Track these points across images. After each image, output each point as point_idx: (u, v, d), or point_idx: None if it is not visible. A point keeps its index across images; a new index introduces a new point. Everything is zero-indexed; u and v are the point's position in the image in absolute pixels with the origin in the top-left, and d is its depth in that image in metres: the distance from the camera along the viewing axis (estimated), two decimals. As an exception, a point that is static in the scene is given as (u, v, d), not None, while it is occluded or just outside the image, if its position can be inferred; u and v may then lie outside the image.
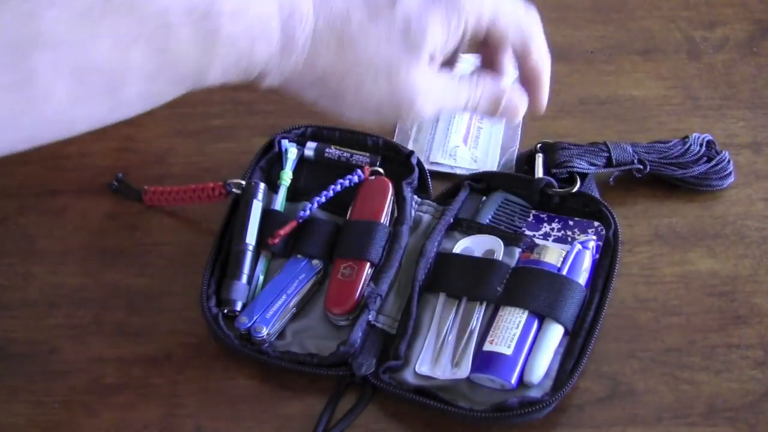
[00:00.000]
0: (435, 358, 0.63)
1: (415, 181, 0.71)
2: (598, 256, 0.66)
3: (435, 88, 0.56)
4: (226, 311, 0.65)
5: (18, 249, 0.71)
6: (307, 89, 0.56)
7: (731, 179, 0.72)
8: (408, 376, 0.63)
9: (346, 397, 0.63)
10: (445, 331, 0.64)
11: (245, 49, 0.51)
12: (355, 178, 0.70)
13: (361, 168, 0.70)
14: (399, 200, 0.69)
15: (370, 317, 0.65)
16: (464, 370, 0.61)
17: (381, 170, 0.71)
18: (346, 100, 0.56)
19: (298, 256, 0.67)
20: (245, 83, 0.53)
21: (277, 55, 0.52)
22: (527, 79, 0.60)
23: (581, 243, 0.66)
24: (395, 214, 0.69)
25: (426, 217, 0.70)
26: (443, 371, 0.62)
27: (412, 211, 0.70)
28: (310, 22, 0.52)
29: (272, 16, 0.51)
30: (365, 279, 0.66)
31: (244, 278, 0.66)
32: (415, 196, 0.71)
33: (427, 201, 0.71)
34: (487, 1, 0.56)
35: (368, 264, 0.66)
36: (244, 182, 0.70)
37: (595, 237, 0.67)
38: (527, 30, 0.58)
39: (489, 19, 0.56)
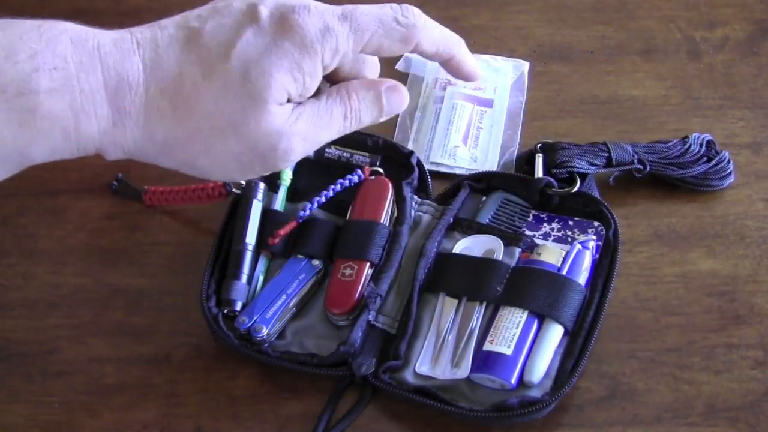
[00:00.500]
0: (435, 358, 0.63)
1: (415, 181, 0.71)
2: (598, 256, 0.66)
3: (299, 126, 0.52)
4: (226, 311, 0.65)
5: (18, 249, 0.71)
6: (157, 159, 0.53)
7: (731, 179, 0.72)
8: (408, 376, 0.63)
9: (345, 397, 0.63)
10: (445, 331, 0.64)
11: (70, 127, 0.48)
12: (355, 178, 0.70)
13: (361, 168, 0.70)
14: (399, 200, 0.69)
15: (370, 317, 0.65)
16: (464, 370, 0.61)
17: (381, 170, 0.71)
18: (201, 164, 0.52)
19: (298, 256, 0.67)
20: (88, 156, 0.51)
21: (111, 130, 0.49)
22: (444, 65, 0.56)
23: (581, 243, 0.66)
24: (395, 214, 0.69)
25: (426, 217, 0.70)
26: (443, 371, 0.62)
27: (412, 211, 0.70)
28: (140, 91, 0.49)
29: (97, 90, 0.48)
30: (365, 279, 0.66)
31: (244, 278, 0.66)
32: (415, 196, 0.71)
33: (427, 201, 0.71)
34: (339, 29, 0.51)
35: (368, 264, 0.66)
36: (244, 182, 0.70)
37: (594, 237, 0.67)
38: (401, 26, 0.52)
39: (354, 44, 0.52)
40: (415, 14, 0.53)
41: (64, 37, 0.49)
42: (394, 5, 0.53)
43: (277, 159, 0.52)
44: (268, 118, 0.51)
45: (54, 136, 0.48)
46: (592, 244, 0.66)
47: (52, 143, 0.49)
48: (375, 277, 0.66)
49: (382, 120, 0.55)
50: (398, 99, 0.56)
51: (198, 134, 0.51)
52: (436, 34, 0.54)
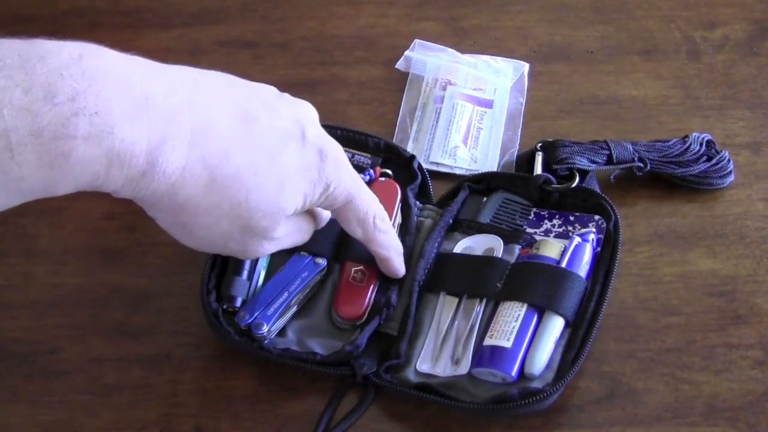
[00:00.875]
0: (435, 356, 0.63)
1: (417, 187, 0.71)
2: (599, 249, 0.66)
3: (282, 235, 0.57)
4: (225, 307, 0.65)
5: (18, 249, 0.71)
6: (158, 212, 0.53)
7: (731, 178, 0.72)
8: (409, 374, 0.63)
9: (346, 398, 0.63)
10: (445, 329, 0.64)
11: (101, 171, 0.47)
12: (366, 178, 0.70)
13: (372, 168, 0.70)
14: (404, 207, 0.69)
15: (376, 324, 0.65)
16: (464, 367, 0.61)
17: (390, 172, 0.71)
18: (195, 234, 0.54)
19: (302, 252, 0.67)
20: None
21: (137, 179, 0.49)
22: (377, 260, 0.64)
23: (581, 236, 0.66)
24: (399, 221, 0.69)
25: (428, 222, 0.70)
26: (444, 369, 0.62)
27: (415, 218, 0.69)
28: (183, 152, 0.49)
29: (138, 142, 0.47)
30: (375, 286, 0.66)
31: (245, 274, 0.66)
32: (417, 202, 0.70)
33: (429, 206, 0.70)
34: (344, 188, 0.57)
35: (378, 271, 0.66)
36: None
37: (595, 230, 0.67)
38: (372, 225, 0.60)
39: (339, 204, 0.58)
40: (386, 225, 0.62)
41: (109, 79, 0.46)
42: (380, 209, 0.61)
43: (251, 254, 0.58)
44: (275, 226, 0.55)
45: (83, 178, 0.47)
46: (592, 236, 0.66)
47: (79, 183, 0.47)
48: (386, 287, 0.66)
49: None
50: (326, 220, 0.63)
51: (216, 211, 0.53)
52: (388, 242, 0.63)
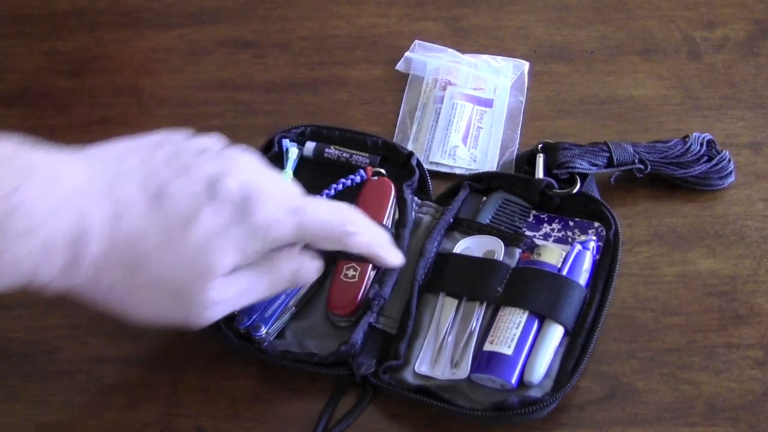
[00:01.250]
0: (434, 358, 0.63)
1: (415, 183, 0.71)
2: (598, 256, 0.66)
3: (229, 295, 0.56)
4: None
5: (18, 249, 0.71)
6: (91, 299, 0.54)
7: (731, 179, 0.72)
8: (408, 375, 0.63)
9: (345, 398, 0.63)
10: (444, 331, 0.64)
11: (28, 270, 0.49)
12: (358, 178, 0.70)
13: (364, 168, 0.71)
14: (400, 202, 0.69)
15: (372, 319, 0.64)
16: (463, 371, 0.61)
17: (383, 171, 0.71)
18: (130, 310, 0.55)
19: (299, 254, 0.67)
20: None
21: (59, 273, 0.51)
22: (365, 257, 0.62)
23: (581, 243, 0.66)
24: (396, 216, 0.69)
25: (426, 218, 0.70)
26: (442, 371, 0.62)
27: (413, 213, 0.70)
28: (97, 245, 0.51)
29: (60, 237, 0.50)
30: (368, 281, 0.66)
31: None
32: (416, 198, 0.70)
33: (428, 202, 0.71)
34: (287, 222, 0.55)
35: (371, 266, 0.66)
36: None
37: (595, 237, 0.67)
38: (343, 235, 0.59)
39: (296, 236, 0.56)
40: (360, 224, 0.59)
41: (38, 176, 0.49)
42: (345, 215, 0.59)
43: (197, 323, 0.56)
44: (209, 289, 0.54)
45: (13, 278, 0.49)
46: (592, 244, 0.66)
47: (8, 283, 0.49)
48: (378, 280, 0.66)
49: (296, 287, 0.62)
50: (309, 274, 0.61)
51: (141, 289, 0.54)
52: (365, 241, 0.60)
